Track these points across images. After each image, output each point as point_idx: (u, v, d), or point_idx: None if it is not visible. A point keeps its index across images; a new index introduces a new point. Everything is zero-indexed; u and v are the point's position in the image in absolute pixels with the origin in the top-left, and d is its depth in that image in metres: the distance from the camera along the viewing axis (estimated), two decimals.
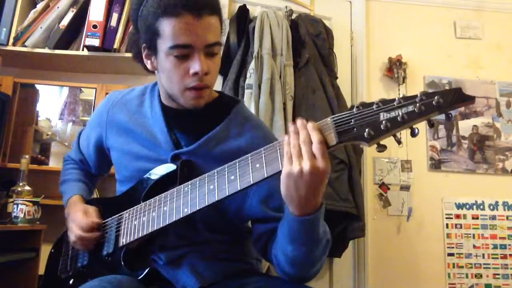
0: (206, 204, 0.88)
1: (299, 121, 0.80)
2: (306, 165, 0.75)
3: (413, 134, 0.72)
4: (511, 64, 2.69)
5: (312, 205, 0.80)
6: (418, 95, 0.70)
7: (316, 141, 0.76)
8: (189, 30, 0.91)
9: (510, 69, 2.67)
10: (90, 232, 1.06)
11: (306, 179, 0.75)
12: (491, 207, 2.51)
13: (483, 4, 2.72)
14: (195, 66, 0.93)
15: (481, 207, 2.50)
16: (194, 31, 0.92)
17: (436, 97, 0.69)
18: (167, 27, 0.92)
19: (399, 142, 0.74)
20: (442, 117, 0.71)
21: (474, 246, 2.45)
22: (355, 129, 0.74)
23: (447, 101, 0.69)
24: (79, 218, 1.08)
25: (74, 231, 1.08)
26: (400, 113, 0.70)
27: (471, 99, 0.69)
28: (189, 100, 0.98)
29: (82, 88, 2.35)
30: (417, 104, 0.70)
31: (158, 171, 1.03)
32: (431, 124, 0.72)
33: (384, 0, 2.70)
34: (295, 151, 0.77)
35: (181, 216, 0.92)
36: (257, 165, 0.83)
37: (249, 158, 0.84)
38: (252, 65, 2.10)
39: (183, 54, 0.93)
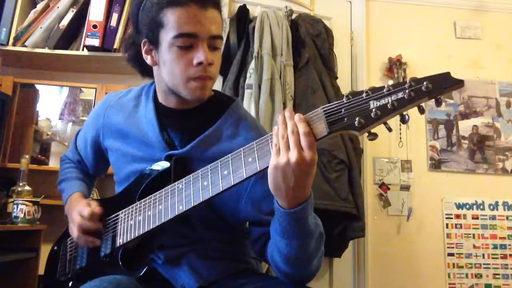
0: (201, 200, 0.88)
1: (287, 112, 0.80)
2: (293, 156, 0.75)
3: (404, 120, 0.72)
4: (511, 64, 2.68)
5: (300, 196, 0.80)
6: (407, 81, 0.70)
7: (302, 132, 0.76)
8: (194, 20, 0.92)
9: (510, 69, 2.67)
10: (91, 220, 1.04)
11: (294, 169, 0.76)
12: (491, 207, 2.51)
13: (483, 4, 2.71)
14: (199, 55, 0.94)
15: (481, 207, 2.50)
16: (199, 21, 0.93)
17: (425, 83, 0.69)
18: (171, 17, 0.93)
19: (389, 129, 0.74)
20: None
21: (474, 246, 2.45)
22: (345, 119, 0.74)
23: (436, 86, 0.68)
24: (81, 206, 1.08)
25: (75, 218, 1.06)
26: (390, 101, 0.70)
27: (459, 83, 0.69)
28: (193, 91, 0.97)
29: (82, 88, 2.35)
30: (407, 91, 0.69)
31: (152, 169, 1.03)
32: (422, 110, 0.72)
33: (384, 0, 2.70)
34: (283, 142, 0.77)
35: (177, 213, 0.91)
36: (250, 159, 0.83)
37: (242, 152, 0.85)
38: (252, 65, 2.10)
39: (187, 44, 0.94)
